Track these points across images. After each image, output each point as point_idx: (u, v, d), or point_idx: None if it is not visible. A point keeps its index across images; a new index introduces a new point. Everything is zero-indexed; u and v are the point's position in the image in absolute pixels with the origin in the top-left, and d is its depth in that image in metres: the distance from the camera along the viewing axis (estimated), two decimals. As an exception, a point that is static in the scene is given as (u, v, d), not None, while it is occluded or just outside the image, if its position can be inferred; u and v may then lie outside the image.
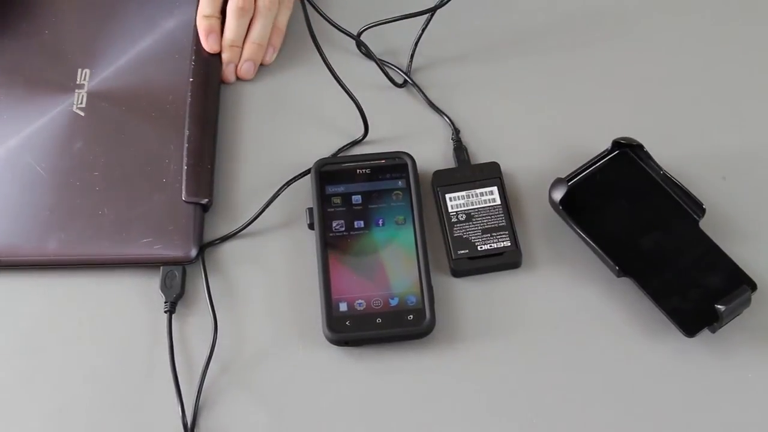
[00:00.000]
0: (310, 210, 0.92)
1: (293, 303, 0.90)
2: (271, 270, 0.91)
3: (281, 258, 0.92)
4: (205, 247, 0.92)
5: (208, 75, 0.99)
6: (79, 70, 0.99)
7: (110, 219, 0.92)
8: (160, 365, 0.87)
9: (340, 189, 0.93)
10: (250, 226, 0.93)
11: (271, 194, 0.93)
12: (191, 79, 0.98)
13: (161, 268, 0.90)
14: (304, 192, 0.94)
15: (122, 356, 0.88)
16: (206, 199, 0.93)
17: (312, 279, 0.90)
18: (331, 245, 0.91)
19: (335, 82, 0.93)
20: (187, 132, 0.95)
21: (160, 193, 0.93)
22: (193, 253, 0.90)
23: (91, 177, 0.94)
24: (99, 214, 0.92)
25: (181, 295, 0.90)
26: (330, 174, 0.94)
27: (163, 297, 0.89)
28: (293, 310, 0.90)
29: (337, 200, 0.93)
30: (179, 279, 0.90)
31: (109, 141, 0.96)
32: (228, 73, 1.00)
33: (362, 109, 0.95)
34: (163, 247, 0.90)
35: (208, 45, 0.99)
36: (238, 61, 1.00)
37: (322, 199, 0.92)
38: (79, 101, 0.97)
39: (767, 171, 0.95)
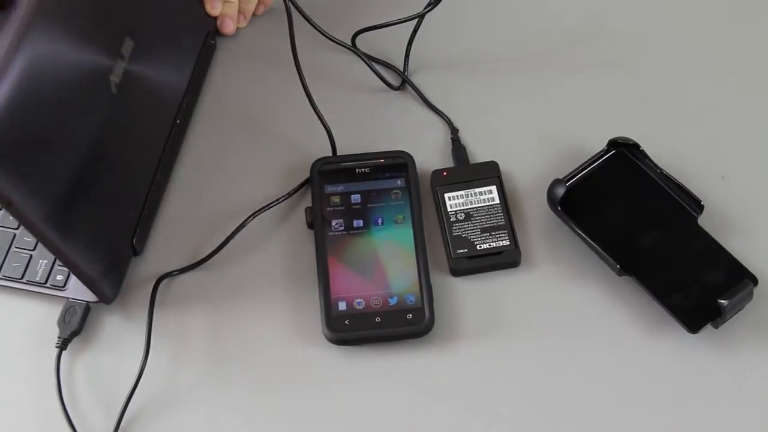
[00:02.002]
0: (309, 209, 0.92)
1: (292, 302, 0.89)
2: (269, 269, 0.91)
3: (280, 257, 0.92)
4: (161, 279, 0.90)
5: (188, 118, 0.97)
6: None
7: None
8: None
9: (340, 188, 0.93)
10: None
11: (235, 225, 0.92)
12: (177, 121, 0.95)
13: (66, 301, 0.88)
14: (304, 191, 0.94)
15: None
16: (139, 246, 0.91)
17: (311, 278, 0.90)
18: (330, 244, 0.90)
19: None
20: (154, 176, 0.92)
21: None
22: (108, 295, 0.87)
23: None
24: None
25: (77, 332, 0.87)
26: (329, 173, 0.93)
27: (58, 331, 0.87)
28: (292, 309, 0.89)
29: (336, 199, 0.92)
30: (79, 316, 0.87)
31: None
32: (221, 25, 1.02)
33: (331, 134, 0.94)
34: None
35: (211, 7, 1.01)
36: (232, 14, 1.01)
37: (322, 198, 0.92)
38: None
39: (766, 169, 0.95)
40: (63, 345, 0.87)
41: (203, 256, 0.91)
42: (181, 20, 0.98)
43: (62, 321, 0.87)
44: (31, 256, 0.90)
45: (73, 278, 0.88)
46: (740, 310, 0.85)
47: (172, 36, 0.95)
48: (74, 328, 0.87)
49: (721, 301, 0.84)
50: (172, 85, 0.95)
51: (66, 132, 0.79)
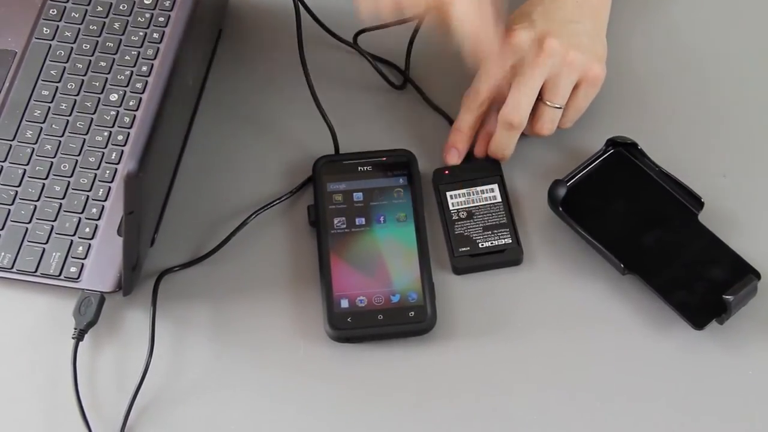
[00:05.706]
0: (312, 207, 0.92)
1: (294, 300, 0.89)
2: (272, 267, 0.91)
3: (282, 254, 0.91)
4: (163, 275, 0.90)
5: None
6: None
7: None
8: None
9: (342, 186, 0.93)
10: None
11: (237, 223, 0.92)
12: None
13: (81, 292, 0.88)
14: (306, 189, 0.94)
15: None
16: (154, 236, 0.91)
17: (313, 276, 0.89)
18: (332, 242, 0.90)
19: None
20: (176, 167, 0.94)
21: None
22: (113, 286, 0.88)
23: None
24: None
25: (93, 323, 0.87)
26: (331, 171, 0.93)
27: (74, 322, 0.87)
28: (294, 306, 0.89)
29: (339, 197, 0.92)
30: (94, 307, 0.87)
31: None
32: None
33: (334, 132, 0.94)
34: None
35: (449, 159, 0.95)
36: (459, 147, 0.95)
37: (324, 196, 0.92)
38: None
39: (764, 166, 0.95)
40: (79, 336, 0.86)
41: (205, 252, 0.91)
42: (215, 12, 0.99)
43: (78, 312, 0.87)
44: (44, 249, 0.89)
45: (87, 269, 0.88)
46: (744, 305, 0.86)
47: (209, 30, 0.96)
48: (90, 319, 0.86)
49: (726, 296, 0.84)
50: (196, 81, 0.95)
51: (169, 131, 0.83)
